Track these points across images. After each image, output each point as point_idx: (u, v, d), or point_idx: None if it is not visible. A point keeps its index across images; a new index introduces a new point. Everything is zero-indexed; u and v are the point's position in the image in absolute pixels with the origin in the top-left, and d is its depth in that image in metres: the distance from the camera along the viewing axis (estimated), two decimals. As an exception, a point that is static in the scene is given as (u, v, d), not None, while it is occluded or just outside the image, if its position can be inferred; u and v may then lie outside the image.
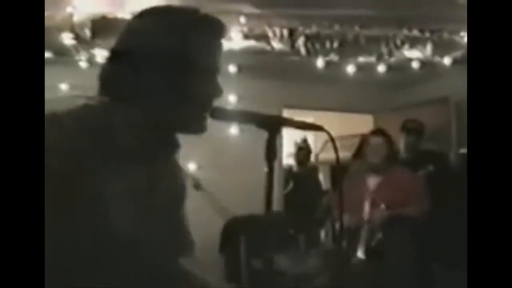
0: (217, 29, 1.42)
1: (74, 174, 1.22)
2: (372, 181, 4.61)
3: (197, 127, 1.40)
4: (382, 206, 4.39)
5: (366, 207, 4.44)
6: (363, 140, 4.75)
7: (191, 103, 1.37)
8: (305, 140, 7.36)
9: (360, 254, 4.33)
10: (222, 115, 1.40)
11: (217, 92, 1.41)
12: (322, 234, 6.73)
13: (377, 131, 4.85)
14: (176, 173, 1.55)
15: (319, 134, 1.35)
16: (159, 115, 1.36)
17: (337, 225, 4.98)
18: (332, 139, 1.32)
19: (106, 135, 1.31)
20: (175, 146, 1.46)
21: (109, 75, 1.39)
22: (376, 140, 4.66)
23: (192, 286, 1.57)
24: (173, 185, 1.52)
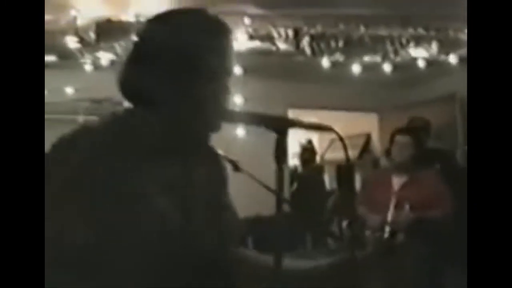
0: (226, 32, 1.45)
1: (113, 181, 1.27)
2: (398, 181, 4.53)
3: (212, 127, 1.44)
4: (407, 207, 4.32)
5: (391, 206, 4.37)
6: (390, 138, 4.65)
7: (205, 105, 1.40)
8: (310, 141, 7.36)
9: (380, 255, 4.28)
10: (231, 117, 1.42)
11: (228, 93, 1.45)
12: (331, 233, 6.74)
13: (403, 130, 4.76)
14: (211, 161, 1.59)
15: (324, 133, 1.35)
16: (179, 118, 1.41)
17: (344, 224, 4.97)
18: (341, 139, 1.32)
19: (136, 140, 1.37)
20: (201, 141, 1.51)
21: (128, 81, 1.43)
22: (404, 139, 4.57)
23: (252, 269, 1.57)
24: (211, 173, 1.55)
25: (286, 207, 1.31)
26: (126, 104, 1.44)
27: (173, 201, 1.37)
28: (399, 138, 4.59)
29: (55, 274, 1.22)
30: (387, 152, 4.70)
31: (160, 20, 1.44)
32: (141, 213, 1.30)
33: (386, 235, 4.30)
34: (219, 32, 1.44)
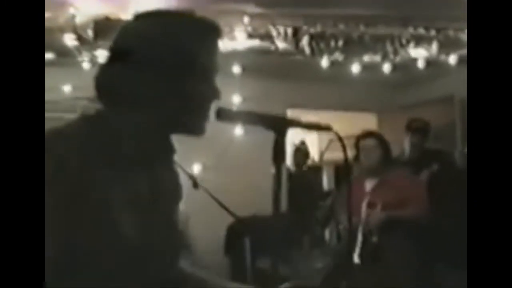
0: (212, 31, 1.42)
1: (79, 185, 1.23)
2: (369, 184, 4.59)
3: (197, 129, 1.40)
4: (378, 207, 4.35)
5: (363, 208, 4.40)
6: (356, 143, 4.68)
7: (190, 106, 1.37)
8: (303, 142, 7.36)
9: (355, 258, 4.31)
10: (229, 116, 1.40)
11: (216, 94, 1.42)
12: (326, 235, 6.73)
13: (368, 134, 4.79)
14: (174, 175, 1.56)
15: (324, 133, 1.34)
16: (158, 118, 1.37)
17: (340, 226, 4.97)
18: (340, 139, 1.30)
19: (106, 143, 1.32)
20: (172, 149, 1.47)
21: (105, 79, 1.38)
22: (368, 143, 4.62)
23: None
24: (172, 187, 1.53)
25: (281, 208, 1.29)
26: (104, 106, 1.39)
27: (134, 214, 1.33)
28: (363, 142, 4.64)
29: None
30: (355, 158, 4.71)
31: (145, 18, 1.39)
32: (103, 223, 1.27)
33: (360, 235, 4.32)
34: (205, 31, 1.40)
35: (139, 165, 1.36)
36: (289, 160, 7.32)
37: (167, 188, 1.49)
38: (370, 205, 4.39)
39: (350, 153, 5.06)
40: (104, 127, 1.34)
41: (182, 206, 1.58)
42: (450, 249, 4.63)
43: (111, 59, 1.38)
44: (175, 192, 1.55)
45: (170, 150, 1.47)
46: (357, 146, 4.66)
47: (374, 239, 4.30)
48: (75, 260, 1.25)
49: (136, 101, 1.35)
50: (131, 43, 1.36)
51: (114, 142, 1.33)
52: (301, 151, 7.40)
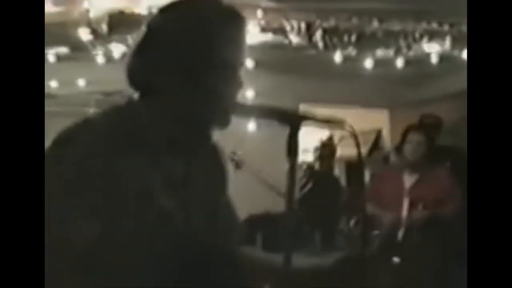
0: (240, 22, 1.42)
1: (113, 173, 1.25)
2: (409, 179, 4.49)
3: (222, 121, 1.40)
4: (420, 206, 4.30)
5: (404, 205, 4.35)
6: (403, 135, 4.58)
7: (216, 97, 1.37)
8: (330, 138, 7.26)
9: (394, 258, 4.25)
10: (243, 110, 1.41)
11: (240, 85, 1.41)
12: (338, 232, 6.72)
13: (417, 127, 4.70)
14: (213, 158, 1.56)
15: (335, 130, 1.34)
16: (185, 110, 1.38)
17: (352, 223, 4.94)
18: (355, 136, 1.30)
19: (138, 132, 1.34)
20: (205, 137, 1.47)
21: (136, 70, 1.40)
22: (417, 137, 4.49)
23: (257, 267, 1.56)
24: (211, 171, 1.53)
25: (298, 204, 1.30)
26: (131, 95, 1.41)
27: (174, 198, 1.35)
28: (412, 135, 4.51)
29: (59, 273, 1.21)
30: (398, 149, 4.64)
31: (172, 9, 1.41)
32: (142, 210, 1.29)
33: (401, 234, 4.27)
34: (232, 22, 1.40)
35: (171, 152, 1.38)
36: (312, 156, 7.25)
37: (206, 171, 1.49)
38: (412, 202, 4.34)
39: (363, 149, 5.04)
40: (134, 116, 1.36)
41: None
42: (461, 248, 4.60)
43: (141, 49, 1.39)
44: (217, 173, 1.56)
45: (201, 138, 1.47)
46: (404, 138, 4.55)
47: (415, 237, 4.27)
48: (116, 249, 1.26)
49: (164, 91, 1.36)
50: (159, 35, 1.37)
51: (144, 131, 1.35)
52: (328, 147, 7.29)
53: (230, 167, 1.65)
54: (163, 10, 1.41)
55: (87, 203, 1.23)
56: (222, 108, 1.38)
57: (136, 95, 1.40)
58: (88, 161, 1.23)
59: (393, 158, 4.70)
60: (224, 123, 1.40)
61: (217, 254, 1.45)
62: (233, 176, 1.62)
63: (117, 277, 1.28)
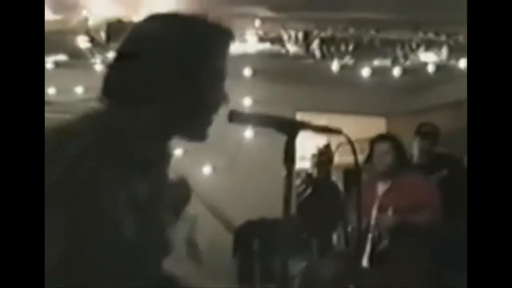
0: (225, 35, 1.42)
1: (82, 182, 1.22)
2: (381, 187, 4.55)
3: (200, 134, 1.40)
4: (390, 211, 4.32)
5: (374, 212, 4.39)
6: (370, 146, 4.66)
7: (196, 110, 1.37)
8: (327, 145, 7.28)
9: (364, 262, 4.29)
10: (241, 118, 1.40)
11: (224, 99, 1.41)
12: (335, 238, 6.72)
13: (383, 137, 4.77)
14: (170, 179, 1.54)
15: (332, 137, 1.35)
16: (162, 121, 1.36)
17: (349, 229, 4.96)
18: (351, 143, 1.31)
19: (111, 145, 1.30)
20: (169, 155, 1.45)
21: (113, 78, 1.38)
22: (382, 146, 4.57)
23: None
24: (170, 191, 1.52)
25: (295, 210, 1.31)
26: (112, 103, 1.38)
27: (135, 220, 1.32)
28: (377, 145, 4.59)
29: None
30: (367, 159, 4.68)
31: (155, 20, 1.40)
32: (105, 230, 1.26)
33: (370, 238, 4.30)
34: (218, 36, 1.40)
35: (139, 167, 1.34)
36: (310, 163, 7.26)
37: (166, 190, 1.48)
38: (381, 209, 4.37)
39: (360, 157, 5.05)
40: (106, 126, 1.32)
41: (190, 208, 1.58)
42: (458, 254, 4.61)
43: (121, 59, 1.39)
44: (175, 194, 1.55)
45: (169, 154, 1.45)
46: (371, 148, 4.63)
47: (384, 242, 4.29)
48: (79, 261, 1.24)
49: (141, 101, 1.34)
50: (141, 43, 1.36)
51: (114, 142, 1.30)
52: (325, 154, 7.31)
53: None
54: (145, 22, 1.41)
55: (58, 218, 1.19)
56: (201, 122, 1.38)
57: (112, 104, 1.37)
58: (69, 173, 1.21)
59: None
60: (201, 136, 1.40)
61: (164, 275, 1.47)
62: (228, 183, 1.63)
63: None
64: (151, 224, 1.38)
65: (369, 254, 4.29)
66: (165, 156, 1.45)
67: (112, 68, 1.39)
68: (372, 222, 4.36)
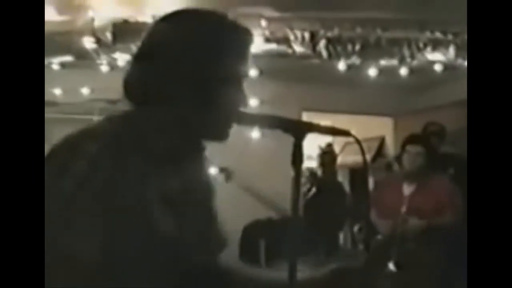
0: (245, 36, 1.40)
1: (114, 186, 1.24)
2: (408, 189, 4.51)
3: (220, 134, 1.39)
4: (416, 216, 4.30)
5: (400, 215, 4.35)
6: (402, 146, 4.62)
7: (216, 110, 1.35)
8: (330, 145, 7.29)
9: (391, 266, 4.24)
10: (248, 119, 1.40)
11: (243, 100, 1.39)
12: (341, 238, 6.72)
13: (416, 138, 4.74)
14: (205, 172, 1.56)
15: (338, 137, 1.34)
16: (184, 121, 1.36)
17: (356, 229, 4.95)
18: (359, 143, 1.30)
19: (138, 144, 1.31)
20: (201, 148, 1.46)
21: (133, 80, 1.37)
22: (415, 148, 4.52)
23: (234, 281, 1.55)
24: (203, 184, 1.53)
25: (301, 212, 1.30)
26: (128, 105, 1.38)
27: (170, 214, 1.34)
28: (411, 146, 4.55)
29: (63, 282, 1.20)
30: (398, 160, 4.67)
31: (174, 19, 1.38)
32: (139, 226, 1.27)
33: (397, 241, 4.27)
34: (236, 34, 1.38)
35: (169, 162, 1.36)
36: (315, 163, 7.26)
37: (200, 183, 1.49)
38: (409, 211, 4.34)
39: (367, 156, 5.04)
40: (131, 126, 1.33)
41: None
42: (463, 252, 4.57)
43: (140, 58, 1.38)
44: (207, 187, 1.55)
45: (198, 150, 1.46)
46: (403, 148, 4.60)
47: (412, 245, 4.27)
48: (113, 260, 1.25)
49: (163, 101, 1.33)
50: (159, 44, 1.35)
51: (144, 143, 1.32)
52: (329, 154, 7.31)
53: (220, 179, 1.66)
54: (165, 19, 1.39)
55: (87, 217, 1.21)
56: (222, 122, 1.37)
57: (134, 105, 1.37)
58: (90, 174, 1.22)
59: (395, 166, 4.71)
60: (222, 137, 1.39)
61: (211, 271, 1.46)
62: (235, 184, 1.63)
63: None
64: (191, 218, 1.41)
65: (395, 260, 4.25)
66: (193, 151, 1.45)
67: (132, 68, 1.38)
68: (399, 223, 4.32)
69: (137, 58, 1.38)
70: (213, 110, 1.35)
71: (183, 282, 1.37)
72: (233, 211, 1.69)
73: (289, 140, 1.27)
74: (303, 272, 1.44)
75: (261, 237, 5.67)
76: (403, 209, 4.38)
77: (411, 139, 4.65)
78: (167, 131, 1.35)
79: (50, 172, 1.21)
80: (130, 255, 1.27)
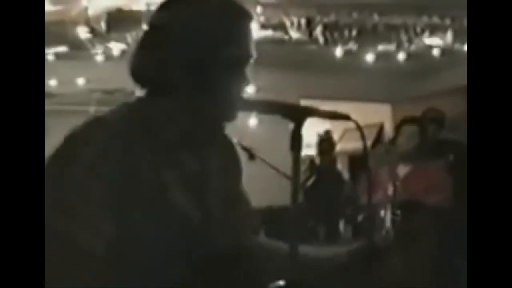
0: (245, 18, 1.41)
1: (128, 172, 1.25)
2: (403, 170, 4.56)
3: (229, 115, 1.39)
4: (407, 192, 4.35)
5: (392, 188, 4.40)
6: (398, 127, 4.70)
7: (223, 93, 1.36)
8: (328, 131, 7.26)
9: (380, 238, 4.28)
10: (247, 105, 1.40)
11: (246, 81, 1.41)
12: (342, 225, 6.71)
13: (412, 119, 4.78)
14: (227, 150, 1.56)
15: (337, 124, 1.32)
16: (195, 105, 1.37)
17: (360, 218, 4.96)
18: (360, 129, 1.28)
19: (151, 129, 1.33)
20: (217, 130, 1.47)
21: (141, 68, 1.38)
22: (410, 129, 4.60)
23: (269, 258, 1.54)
24: (226, 163, 1.53)
25: (301, 198, 1.28)
26: (138, 93, 1.40)
27: (190, 193, 1.35)
28: (405, 128, 4.61)
29: (72, 275, 1.20)
30: (392, 141, 4.70)
31: (176, 4, 1.38)
32: (158, 208, 1.28)
33: (388, 214, 4.31)
34: (238, 17, 1.39)
35: (185, 146, 1.37)
36: (314, 151, 7.25)
37: (223, 162, 1.49)
38: (400, 189, 4.39)
39: (367, 143, 5.04)
40: (140, 114, 1.34)
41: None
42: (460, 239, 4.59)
43: (144, 47, 1.38)
44: (231, 165, 1.56)
45: (213, 131, 1.46)
46: (398, 130, 4.67)
47: (399, 218, 4.31)
48: (135, 245, 1.26)
49: (171, 88, 1.35)
50: (163, 29, 1.36)
51: (156, 128, 1.34)
52: (327, 141, 7.30)
53: (243, 158, 1.65)
54: (166, 6, 1.39)
55: (101, 203, 1.22)
56: (229, 103, 1.37)
57: (143, 92, 1.39)
58: (102, 161, 1.22)
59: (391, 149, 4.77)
60: (231, 117, 1.39)
61: (233, 251, 1.44)
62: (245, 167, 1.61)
63: (132, 277, 1.27)
64: (214, 198, 1.41)
65: (386, 229, 4.29)
66: (209, 133, 1.46)
67: (138, 57, 1.39)
68: (390, 196, 4.37)
69: (142, 46, 1.39)
70: (218, 93, 1.36)
71: (205, 265, 1.36)
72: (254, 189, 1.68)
73: (287, 126, 1.25)
74: (321, 251, 1.46)
75: (260, 225, 5.66)
76: (394, 187, 4.42)
77: (406, 121, 4.71)
78: (176, 117, 1.36)
79: (61, 160, 1.23)
80: (149, 237, 1.27)
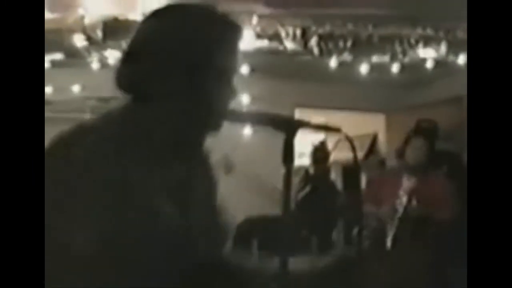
0: (233, 29, 1.40)
1: (115, 177, 1.24)
2: (408, 182, 4.58)
3: (214, 126, 1.39)
4: (415, 202, 4.40)
5: (401, 200, 4.44)
6: (406, 139, 4.70)
7: (209, 103, 1.35)
8: (322, 142, 7.27)
9: (388, 242, 4.30)
10: (239, 117, 1.41)
11: (233, 93, 1.40)
12: (334, 235, 6.71)
13: (420, 132, 4.82)
14: (206, 163, 1.56)
15: (331, 134, 1.33)
16: (180, 115, 1.36)
17: (355, 231, 4.97)
18: (350, 140, 1.30)
19: (138, 136, 1.33)
20: (200, 141, 1.46)
21: (124, 77, 1.37)
22: (419, 142, 4.62)
23: (237, 273, 1.54)
24: (206, 175, 1.54)
25: (293, 208, 1.29)
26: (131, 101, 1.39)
27: (175, 203, 1.35)
28: (413, 140, 4.64)
29: (60, 277, 1.20)
30: (400, 153, 4.70)
31: (164, 14, 1.38)
32: (143, 215, 1.28)
33: (396, 221, 4.32)
34: (227, 29, 1.38)
35: (171, 155, 1.37)
36: (308, 160, 7.25)
37: (203, 173, 1.50)
38: (408, 199, 4.43)
39: (360, 153, 5.06)
40: (132, 120, 1.34)
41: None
42: (461, 251, 4.59)
43: (130, 55, 1.37)
44: (211, 176, 1.56)
45: (198, 140, 1.46)
46: (406, 142, 4.67)
47: (410, 226, 4.35)
48: (117, 251, 1.25)
49: (157, 97, 1.34)
50: (149, 40, 1.35)
51: (143, 135, 1.34)
52: (321, 151, 7.30)
53: (220, 172, 1.65)
54: (153, 15, 1.39)
55: (88, 206, 1.21)
56: (215, 114, 1.37)
57: (130, 100, 1.38)
58: (90, 164, 1.22)
59: (390, 162, 4.76)
60: (216, 128, 1.39)
61: (216, 261, 1.45)
62: (226, 179, 1.62)
63: (117, 282, 1.26)
64: (196, 208, 1.42)
65: (391, 237, 4.31)
66: (194, 143, 1.46)
67: (123, 68, 1.38)
68: (399, 208, 4.41)
69: (127, 56, 1.38)
70: (204, 103, 1.35)
71: (187, 274, 1.37)
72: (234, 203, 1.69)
73: (281, 137, 1.27)
74: (303, 263, 1.45)
75: (253, 234, 5.66)
76: (403, 196, 4.45)
77: (414, 133, 4.74)
78: (164, 125, 1.36)
79: (50, 162, 1.21)
80: (133, 244, 1.26)
